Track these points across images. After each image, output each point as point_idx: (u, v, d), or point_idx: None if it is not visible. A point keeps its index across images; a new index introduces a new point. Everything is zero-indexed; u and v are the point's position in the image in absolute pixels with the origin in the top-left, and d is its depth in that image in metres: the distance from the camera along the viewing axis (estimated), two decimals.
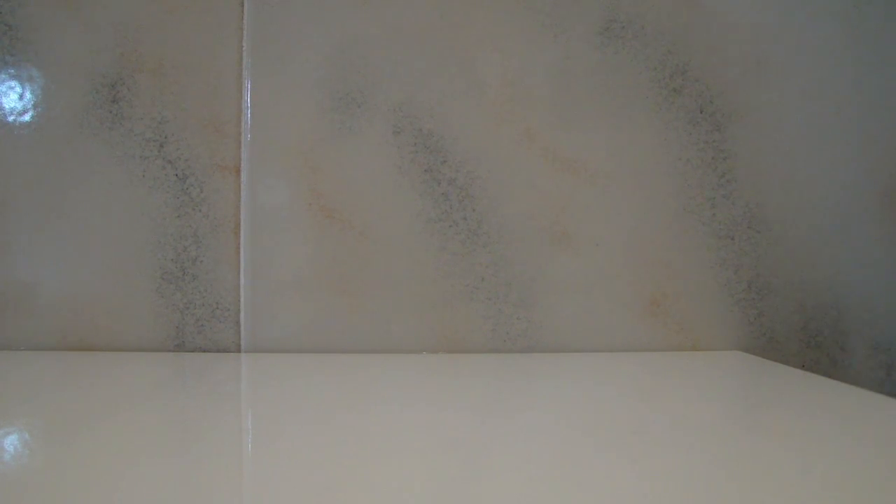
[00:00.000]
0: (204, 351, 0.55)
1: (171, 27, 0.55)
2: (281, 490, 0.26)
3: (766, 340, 0.58)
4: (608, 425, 0.36)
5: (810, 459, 0.30)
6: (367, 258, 0.56)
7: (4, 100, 0.54)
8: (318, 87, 0.56)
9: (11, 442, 0.32)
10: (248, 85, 0.55)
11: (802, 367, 0.58)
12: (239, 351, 0.55)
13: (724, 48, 0.58)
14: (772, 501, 0.26)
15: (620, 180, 0.57)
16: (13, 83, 0.54)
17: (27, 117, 0.54)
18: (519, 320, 0.57)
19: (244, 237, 0.55)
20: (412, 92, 0.56)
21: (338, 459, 0.30)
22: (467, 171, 0.56)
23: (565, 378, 0.49)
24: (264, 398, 0.42)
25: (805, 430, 0.35)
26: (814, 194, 0.59)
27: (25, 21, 0.54)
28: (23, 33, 0.54)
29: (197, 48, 0.55)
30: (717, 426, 0.36)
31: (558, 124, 0.57)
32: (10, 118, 0.54)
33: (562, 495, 0.26)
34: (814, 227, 0.59)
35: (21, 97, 0.54)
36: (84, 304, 0.55)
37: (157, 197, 0.55)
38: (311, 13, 0.55)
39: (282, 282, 0.56)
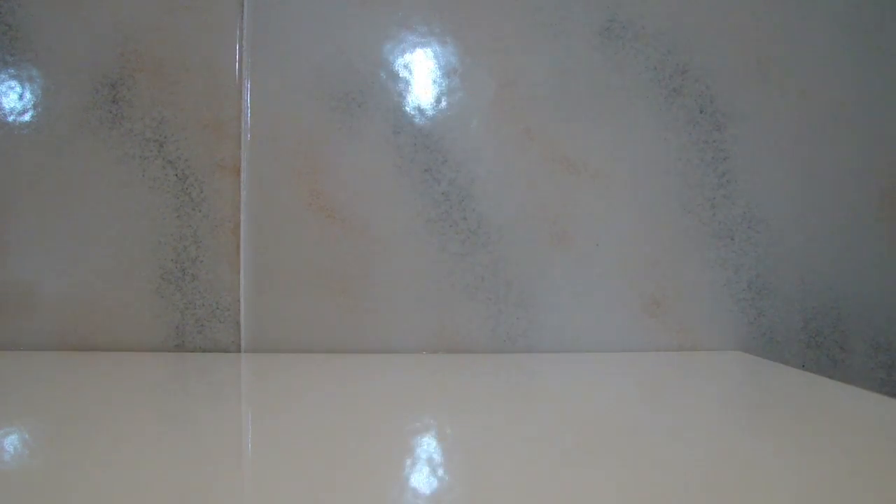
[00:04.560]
0: (204, 351, 0.55)
1: (171, 27, 0.55)
2: (281, 490, 0.26)
3: (766, 340, 0.58)
4: (608, 425, 0.36)
5: (810, 459, 0.30)
6: (367, 258, 0.56)
7: (4, 100, 0.54)
8: (318, 86, 0.56)
9: (11, 442, 0.32)
10: (248, 85, 0.55)
11: (802, 367, 0.58)
12: (239, 351, 0.55)
13: (724, 48, 0.58)
14: (772, 501, 0.26)
15: (620, 180, 0.57)
16: (13, 83, 0.54)
17: (27, 117, 0.54)
18: (519, 320, 0.57)
19: (244, 237, 0.55)
20: (412, 92, 0.56)
21: (338, 459, 0.30)
22: (467, 171, 0.56)
23: (565, 378, 0.49)
24: (264, 398, 0.42)
25: (805, 430, 0.35)
26: (814, 194, 0.59)
27: (25, 21, 0.54)
28: (23, 33, 0.54)
29: (197, 48, 0.55)
30: (717, 426, 0.36)
31: (558, 124, 0.57)
32: (10, 118, 0.54)
33: (562, 495, 0.26)
34: (814, 226, 0.59)
35: (21, 97, 0.54)
36: (84, 304, 0.55)
37: (157, 197, 0.55)
38: (311, 13, 0.55)
39: (282, 282, 0.56)
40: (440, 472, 0.29)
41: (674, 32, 0.57)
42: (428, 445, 0.32)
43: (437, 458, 0.31)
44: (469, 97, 0.56)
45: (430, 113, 0.56)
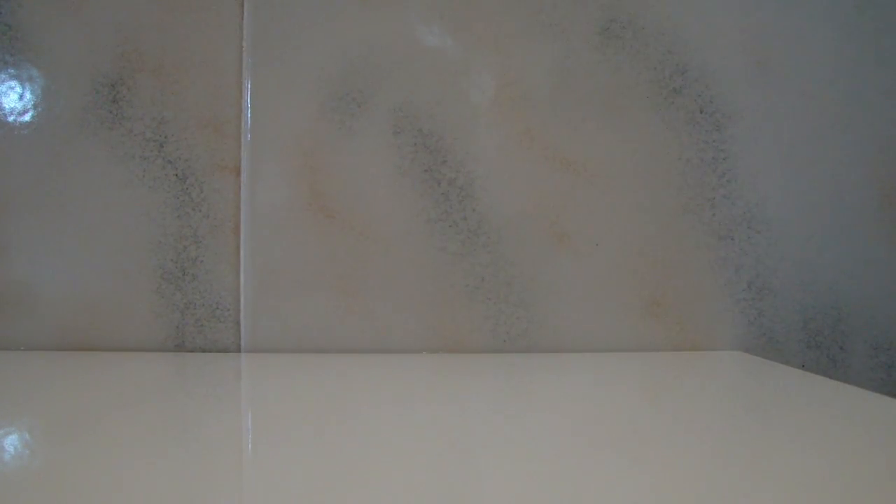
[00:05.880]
0: (204, 351, 0.55)
1: (171, 27, 0.55)
2: (281, 490, 0.26)
3: (766, 340, 0.58)
4: (608, 425, 0.36)
5: (810, 459, 0.30)
6: (367, 258, 0.56)
7: (4, 100, 0.54)
8: (319, 86, 0.56)
9: (11, 442, 0.32)
10: (248, 85, 0.55)
11: (802, 367, 0.58)
12: (239, 351, 0.55)
13: (724, 48, 0.58)
14: (772, 501, 0.26)
15: (620, 180, 0.57)
16: (13, 83, 0.54)
17: (27, 117, 0.54)
18: (519, 320, 0.57)
19: (244, 237, 0.55)
20: (412, 92, 0.56)
21: (338, 460, 0.30)
22: (467, 171, 0.56)
23: (565, 378, 0.49)
24: (264, 398, 0.42)
25: (805, 430, 0.35)
26: (814, 194, 0.59)
27: (25, 21, 0.54)
28: (23, 33, 0.54)
29: (197, 48, 0.55)
30: (717, 426, 0.36)
31: (558, 124, 0.57)
32: (10, 118, 0.54)
33: (562, 495, 0.26)
34: (814, 227, 0.59)
35: (21, 97, 0.54)
36: (84, 304, 0.55)
37: (157, 197, 0.55)
38: (312, 13, 0.55)
39: (282, 282, 0.56)
40: (440, 472, 0.29)
41: (674, 32, 0.57)
42: (427, 446, 0.32)
43: (437, 458, 0.31)
44: (469, 97, 0.56)
45: (429, 113, 0.56)
